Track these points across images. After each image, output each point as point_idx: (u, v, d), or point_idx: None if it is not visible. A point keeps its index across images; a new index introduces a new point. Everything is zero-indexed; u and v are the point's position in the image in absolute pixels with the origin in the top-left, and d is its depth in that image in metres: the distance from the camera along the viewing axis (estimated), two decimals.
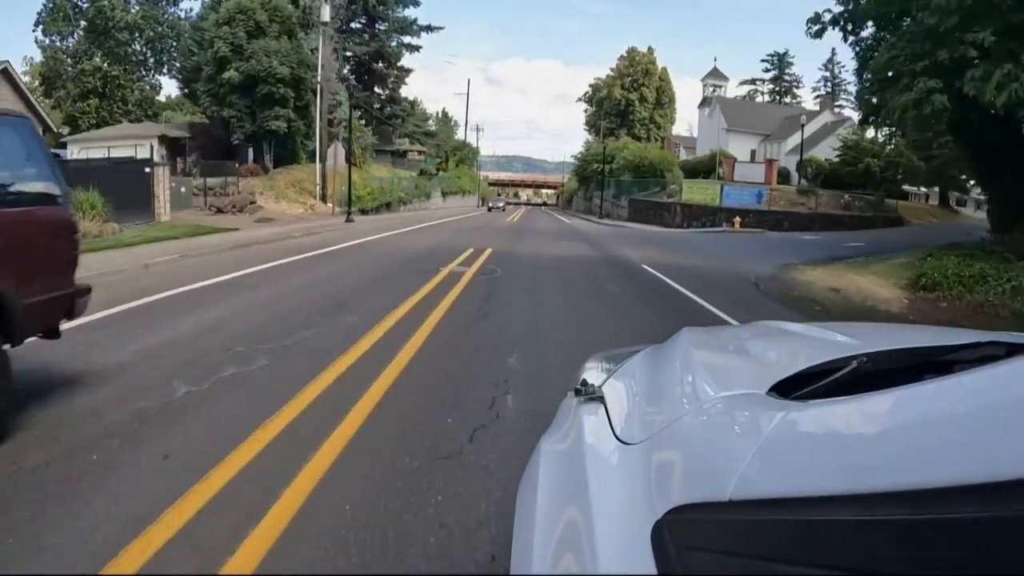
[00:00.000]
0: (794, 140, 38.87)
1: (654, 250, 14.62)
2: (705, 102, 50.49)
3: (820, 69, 63.92)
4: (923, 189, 40.87)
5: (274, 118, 23.97)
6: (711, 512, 0.64)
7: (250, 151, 26.02)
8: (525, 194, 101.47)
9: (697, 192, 27.39)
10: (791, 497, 0.58)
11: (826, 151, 35.38)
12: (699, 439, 0.85)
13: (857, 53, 14.50)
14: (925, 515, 0.46)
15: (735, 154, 37.52)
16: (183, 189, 17.43)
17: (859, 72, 14.83)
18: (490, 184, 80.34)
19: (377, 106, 47.74)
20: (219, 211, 18.23)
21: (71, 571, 1.88)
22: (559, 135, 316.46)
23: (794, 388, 0.86)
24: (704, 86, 52.71)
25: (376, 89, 47.46)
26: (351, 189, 23.10)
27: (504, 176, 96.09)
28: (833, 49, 59.54)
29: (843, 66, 59.39)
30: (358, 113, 37.66)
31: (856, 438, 0.65)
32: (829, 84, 61.27)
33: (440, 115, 63.58)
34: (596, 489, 0.84)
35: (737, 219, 24.36)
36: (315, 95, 24.18)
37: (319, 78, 24.04)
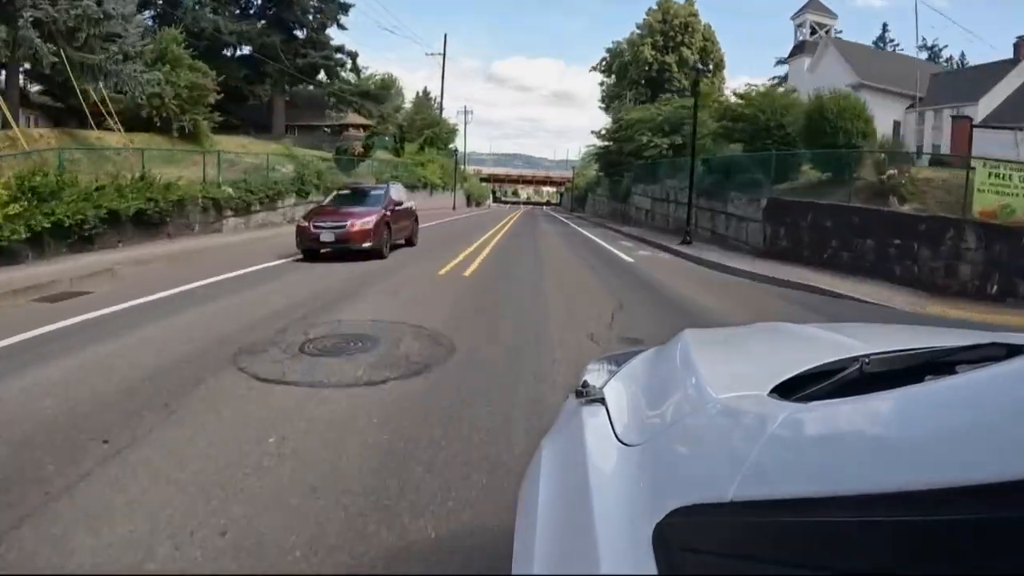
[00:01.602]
0: (989, 104, 22.40)
1: None
2: (801, 49, 33.29)
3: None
4: None
5: None
6: (713, 514, 0.63)
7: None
8: (525, 192, 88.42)
9: None
10: (793, 499, 0.57)
11: None
12: (701, 440, 0.84)
13: None
14: (927, 517, 0.46)
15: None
16: None
17: None
18: (482, 180, 65.12)
19: (293, 56, 31.00)
20: None
21: None
22: (560, 133, 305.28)
23: (796, 389, 0.85)
24: (797, 28, 34.48)
25: (293, 30, 31.03)
26: None
27: (500, 171, 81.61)
28: (884, 24, 44.96)
29: (896, 44, 47.47)
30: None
31: (858, 439, 0.64)
32: None
33: (421, 94, 48.87)
34: (598, 491, 0.84)
35: None
36: None
37: None
